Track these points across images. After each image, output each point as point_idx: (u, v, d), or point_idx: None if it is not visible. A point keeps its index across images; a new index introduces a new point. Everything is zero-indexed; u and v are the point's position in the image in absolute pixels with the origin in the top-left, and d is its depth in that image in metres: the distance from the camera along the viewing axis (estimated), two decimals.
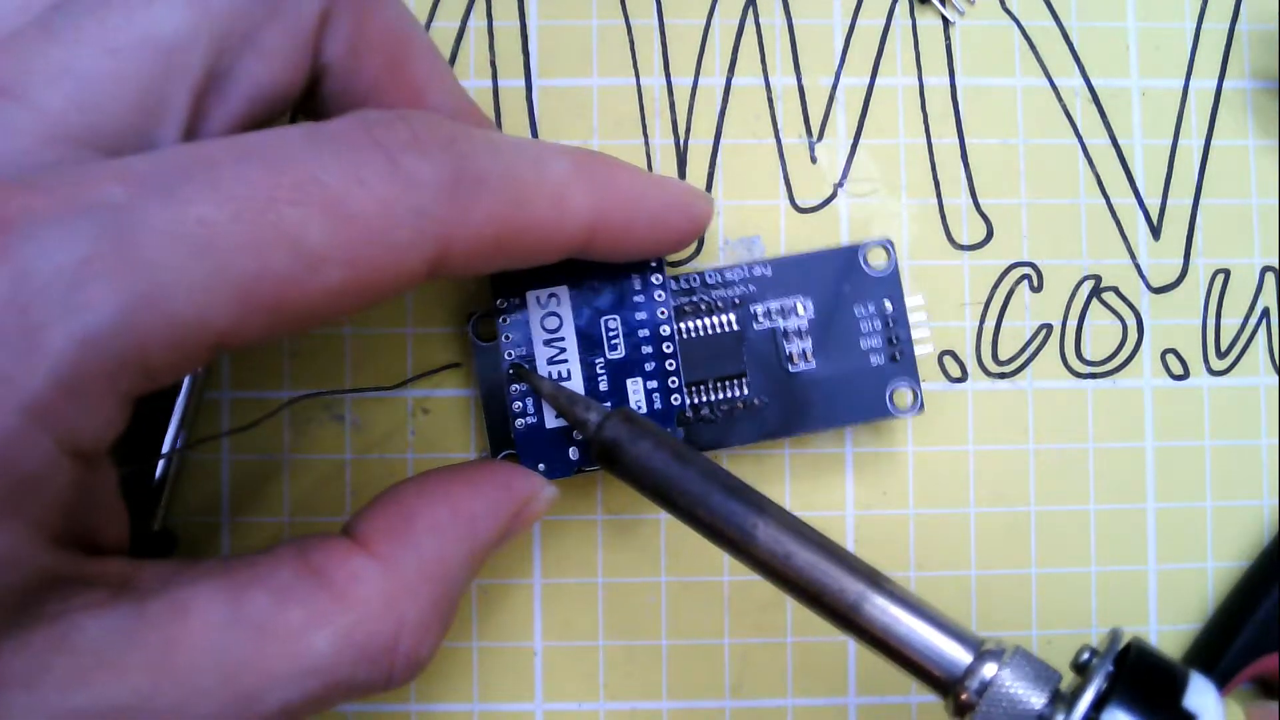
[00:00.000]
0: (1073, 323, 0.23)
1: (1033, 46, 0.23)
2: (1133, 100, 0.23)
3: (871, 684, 0.22)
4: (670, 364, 0.19)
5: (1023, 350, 0.22)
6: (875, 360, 0.21)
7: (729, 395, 0.21)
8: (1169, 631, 0.22)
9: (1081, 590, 0.22)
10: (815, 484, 0.22)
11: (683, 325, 0.20)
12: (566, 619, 0.22)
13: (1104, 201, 0.23)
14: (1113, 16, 0.23)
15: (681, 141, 0.22)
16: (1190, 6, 0.23)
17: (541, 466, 0.19)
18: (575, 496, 0.22)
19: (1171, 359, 0.23)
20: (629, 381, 0.19)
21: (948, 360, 0.22)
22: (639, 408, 0.19)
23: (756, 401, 0.21)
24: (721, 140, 0.22)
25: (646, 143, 0.22)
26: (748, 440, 0.21)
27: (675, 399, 0.19)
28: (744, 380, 0.21)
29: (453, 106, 0.18)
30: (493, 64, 0.22)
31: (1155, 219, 0.23)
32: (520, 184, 0.16)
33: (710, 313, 0.21)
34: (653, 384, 0.19)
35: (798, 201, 0.22)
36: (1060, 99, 0.23)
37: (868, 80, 0.23)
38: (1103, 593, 0.22)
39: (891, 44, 0.23)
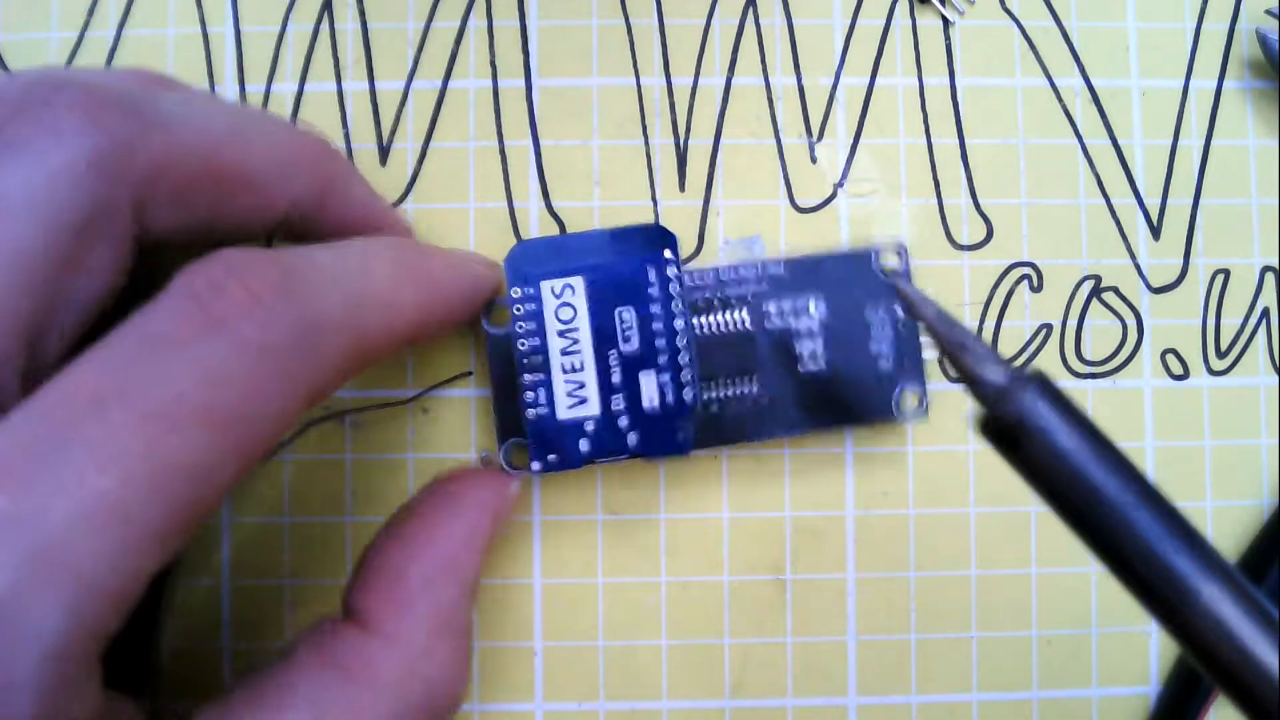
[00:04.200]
0: (1073, 323, 0.23)
1: (1033, 46, 0.23)
2: (1133, 100, 0.23)
3: (872, 684, 0.22)
4: (684, 358, 0.19)
5: (1023, 350, 0.22)
6: (884, 365, 0.21)
7: (739, 392, 0.21)
8: None
9: (1081, 590, 0.22)
10: (815, 484, 0.22)
11: (697, 320, 0.21)
12: (566, 619, 0.22)
13: (1104, 201, 0.23)
14: (1113, 16, 0.23)
15: (681, 141, 0.22)
16: (1190, 6, 0.23)
17: (552, 457, 0.19)
18: (575, 496, 0.22)
19: (1171, 359, 0.23)
20: (642, 374, 0.19)
21: (948, 360, 0.22)
22: (651, 401, 0.19)
23: (766, 400, 0.21)
24: (721, 140, 0.22)
25: (646, 143, 0.22)
26: (753, 438, 0.21)
27: (688, 394, 0.19)
28: (755, 377, 0.21)
29: (299, 195, 0.18)
30: (493, 64, 0.22)
31: (1155, 219, 0.23)
32: (359, 306, 0.16)
33: (724, 309, 0.21)
34: (665, 377, 0.19)
35: (798, 201, 0.22)
36: (1060, 99, 0.23)
37: (868, 80, 0.23)
38: (1103, 593, 0.22)
39: (891, 44, 0.23)
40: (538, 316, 0.19)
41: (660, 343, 0.19)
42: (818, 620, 0.22)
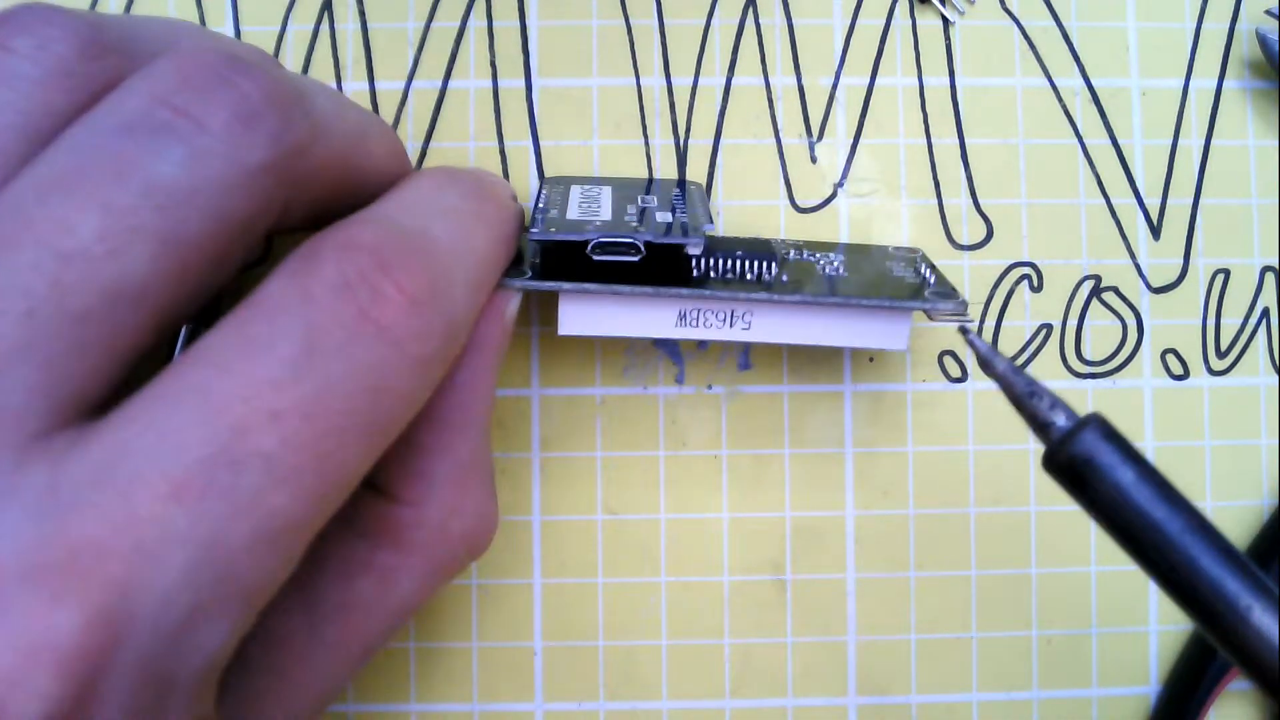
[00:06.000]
0: (1073, 323, 0.23)
1: (1033, 46, 0.23)
2: (1133, 100, 0.23)
3: (871, 684, 0.22)
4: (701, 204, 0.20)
5: (1023, 350, 0.22)
6: (909, 280, 0.20)
7: (755, 268, 0.19)
8: (1169, 631, 0.22)
9: (1081, 590, 0.22)
10: (815, 484, 0.22)
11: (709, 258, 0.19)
12: (566, 619, 0.22)
13: (1104, 201, 0.23)
14: (1113, 16, 0.23)
15: (681, 141, 0.22)
16: (1190, 6, 0.23)
17: (554, 230, 0.18)
18: (575, 496, 0.22)
19: (1171, 359, 0.23)
20: (658, 212, 0.19)
21: (948, 360, 0.22)
22: (662, 220, 0.19)
23: (783, 278, 0.19)
24: (721, 140, 0.22)
25: (646, 143, 0.22)
26: (770, 295, 0.19)
27: (704, 226, 0.19)
28: (772, 265, 0.19)
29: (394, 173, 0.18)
30: (493, 64, 0.22)
31: (1155, 219, 0.23)
32: (476, 294, 0.17)
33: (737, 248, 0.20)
34: (680, 214, 0.19)
35: (798, 201, 0.22)
36: (1060, 99, 0.23)
37: (868, 80, 0.23)
38: (1102, 593, 0.22)
39: (891, 44, 0.23)
40: (561, 204, 0.20)
41: (679, 205, 0.20)
42: (818, 620, 0.22)
